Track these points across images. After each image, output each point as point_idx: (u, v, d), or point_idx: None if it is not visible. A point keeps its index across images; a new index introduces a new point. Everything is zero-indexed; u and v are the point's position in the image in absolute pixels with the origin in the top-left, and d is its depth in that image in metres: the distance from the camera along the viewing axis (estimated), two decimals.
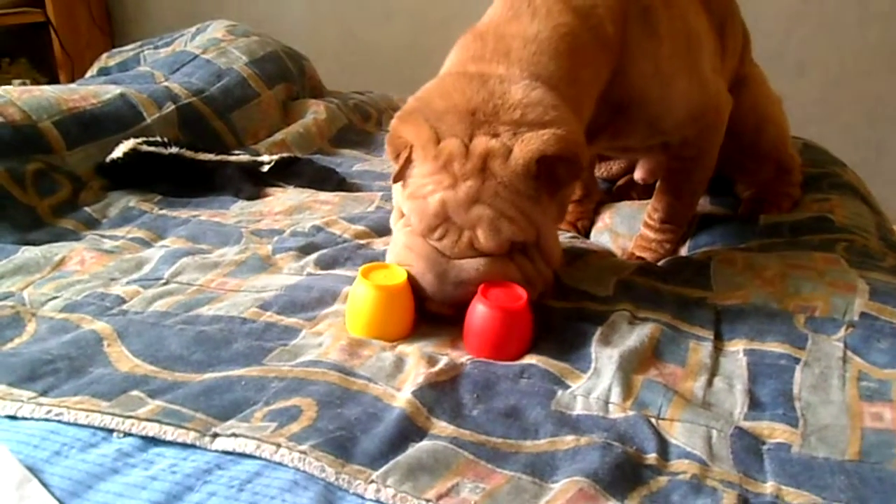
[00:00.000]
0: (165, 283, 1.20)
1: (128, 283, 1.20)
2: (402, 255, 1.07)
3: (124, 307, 1.11)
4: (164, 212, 1.52)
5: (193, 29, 2.34)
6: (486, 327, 0.99)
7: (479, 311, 1.00)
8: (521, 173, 1.01)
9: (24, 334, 1.04)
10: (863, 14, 2.81)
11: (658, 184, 1.43)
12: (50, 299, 1.13)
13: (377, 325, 1.02)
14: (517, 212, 1.02)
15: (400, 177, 1.08)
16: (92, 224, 1.47)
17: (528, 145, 1.01)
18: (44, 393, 0.89)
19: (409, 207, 1.06)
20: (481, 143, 1.01)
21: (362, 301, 1.03)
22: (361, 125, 2.19)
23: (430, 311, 1.05)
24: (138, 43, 2.40)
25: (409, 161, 1.06)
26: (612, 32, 1.16)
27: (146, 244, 1.38)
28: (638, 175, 1.64)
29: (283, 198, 1.58)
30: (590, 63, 1.14)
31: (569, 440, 0.84)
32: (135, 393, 0.88)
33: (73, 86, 1.82)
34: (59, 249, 1.31)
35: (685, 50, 1.24)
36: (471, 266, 1.03)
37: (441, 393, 0.90)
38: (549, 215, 1.08)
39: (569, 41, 1.11)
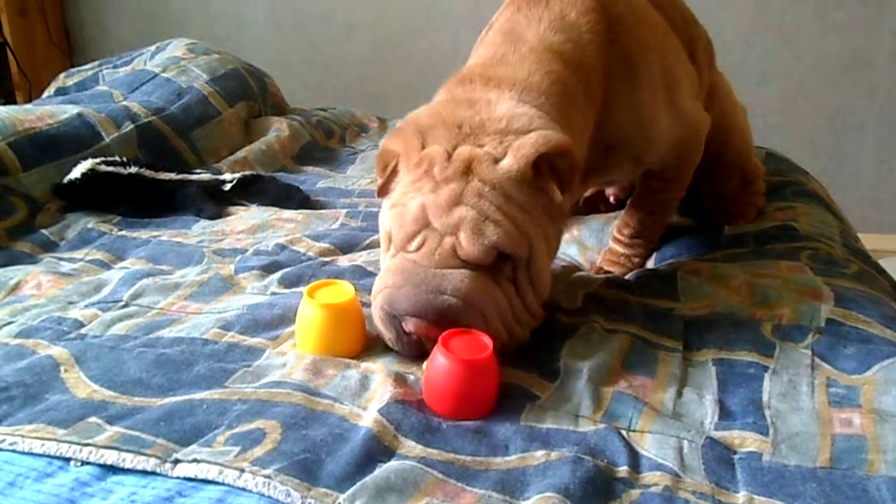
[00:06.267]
0: (125, 306, 1.17)
1: (86, 306, 1.17)
2: (382, 277, 1.02)
3: (82, 331, 1.09)
4: (123, 233, 1.49)
5: (153, 48, 2.32)
6: (447, 381, 0.90)
7: (438, 363, 0.90)
8: (515, 178, 0.98)
9: None
10: (822, 25, 2.86)
11: (631, 200, 1.42)
12: (4, 325, 1.10)
13: (325, 344, 1.01)
14: (503, 215, 0.97)
15: (384, 189, 1.06)
16: (49, 247, 1.43)
17: (521, 150, 0.98)
18: None
19: (390, 217, 1.02)
20: (465, 150, 1.00)
21: (309, 320, 1.01)
22: (325, 142, 2.18)
23: (408, 336, 0.98)
24: (97, 62, 2.37)
25: (394, 172, 1.04)
26: (596, 84, 1.16)
27: (105, 266, 1.35)
28: (610, 191, 1.64)
29: (245, 216, 1.56)
30: (579, 110, 1.13)
31: (539, 455, 0.83)
32: (92, 419, 0.86)
33: (28, 106, 1.78)
34: (14, 273, 1.27)
35: (663, 91, 1.25)
36: (453, 276, 0.96)
37: (408, 411, 0.89)
38: (542, 230, 1.02)
39: (560, 87, 1.10)
